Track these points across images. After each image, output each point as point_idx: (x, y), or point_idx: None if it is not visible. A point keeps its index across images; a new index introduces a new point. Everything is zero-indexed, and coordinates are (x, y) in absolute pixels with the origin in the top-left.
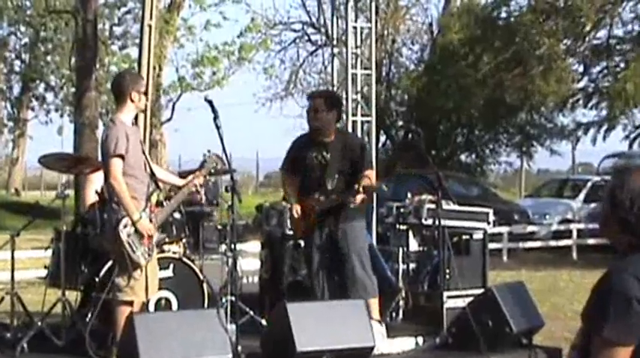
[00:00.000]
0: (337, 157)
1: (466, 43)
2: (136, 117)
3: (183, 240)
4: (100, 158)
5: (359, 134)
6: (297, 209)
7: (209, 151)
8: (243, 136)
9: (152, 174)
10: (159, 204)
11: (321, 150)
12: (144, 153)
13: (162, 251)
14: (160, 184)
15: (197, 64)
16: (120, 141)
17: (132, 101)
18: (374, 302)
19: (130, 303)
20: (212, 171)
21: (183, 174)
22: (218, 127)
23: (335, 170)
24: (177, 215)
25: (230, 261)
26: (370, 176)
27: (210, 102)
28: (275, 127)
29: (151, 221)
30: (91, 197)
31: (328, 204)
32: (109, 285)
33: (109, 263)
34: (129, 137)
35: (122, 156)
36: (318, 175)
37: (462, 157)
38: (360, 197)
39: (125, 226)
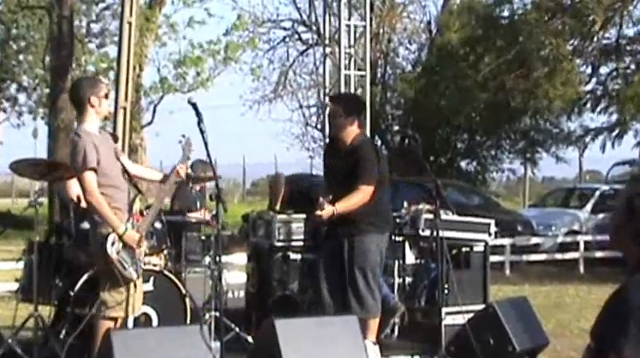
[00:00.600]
0: (342, 166)
1: (466, 43)
2: (115, 121)
3: (165, 252)
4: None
5: None
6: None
7: (183, 136)
8: (229, 141)
9: (131, 181)
10: (142, 212)
11: (336, 157)
12: (118, 159)
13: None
14: (141, 187)
15: (180, 63)
16: (88, 154)
17: (92, 106)
18: (373, 323)
19: (115, 320)
20: (188, 156)
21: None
22: (202, 131)
23: (339, 180)
24: (158, 224)
25: (214, 274)
26: (356, 194)
27: (194, 105)
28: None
29: (138, 231)
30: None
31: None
32: (97, 302)
33: (85, 276)
34: (97, 147)
35: (94, 169)
36: (331, 184)
37: (462, 164)
38: (326, 212)
39: (113, 243)
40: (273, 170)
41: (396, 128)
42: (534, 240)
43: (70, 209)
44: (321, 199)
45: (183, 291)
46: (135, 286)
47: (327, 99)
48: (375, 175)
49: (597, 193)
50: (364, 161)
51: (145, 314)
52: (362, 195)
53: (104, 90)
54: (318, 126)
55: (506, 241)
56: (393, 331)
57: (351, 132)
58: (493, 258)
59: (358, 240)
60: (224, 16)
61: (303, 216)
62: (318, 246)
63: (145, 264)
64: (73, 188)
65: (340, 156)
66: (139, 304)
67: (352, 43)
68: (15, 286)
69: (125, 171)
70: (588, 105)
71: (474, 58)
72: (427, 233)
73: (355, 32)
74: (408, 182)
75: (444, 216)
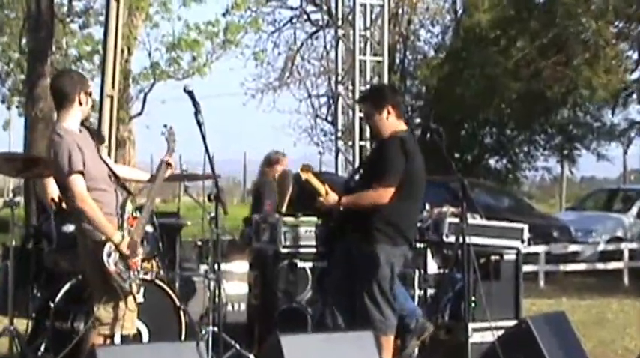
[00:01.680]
0: (366, 165)
1: (496, 25)
2: (101, 111)
3: (157, 259)
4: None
5: (368, 133)
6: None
7: (165, 126)
8: (228, 134)
9: (118, 181)
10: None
11: (372, 151)
12: (102, 158)
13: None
14: (131, 188)
15: (174, 47)
16: (73, 155)
17: (80, 104)
18: (385, 341)
19: (111, 337)
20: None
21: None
22: (200, 123)
23: (361, 180)
24: (149, 228)
25: (212, 283)
26: (367, 193)
27: (190, 94)
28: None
29: (133, 238)
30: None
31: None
32: (91, 318)
33: (67, 285)
34: (82, 148)
35: (81, 172)
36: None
37: (491, 162)
38: (328, 199)
39: (109, 254)
40: None
41: (417, 121)
42: (572, 248)
43: (49, 210)
44: (326, 187)
45: (177, 303)
46: (134, 299)
47: (339, 87)
48: (396, 177)
49: None
50: (384, 159)
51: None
52: (374, 195)
53: (91, 88)
54: (329, 118)
55: (540, 249)
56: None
57: (388, 127)
58: (526, 268)
59: (366, 249)
60: None
61: (314, 219)
62: (330, 252)
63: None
64: (52, 186)
65: (370, 154)
66: (133, 320)
67: (368, 24)
68: None
69: (111, 171)
70: (634, 95)
71: (505, 43)
72: (452, 239)
73: (371, 12)
74: (430, 181)
75: (470, 221)
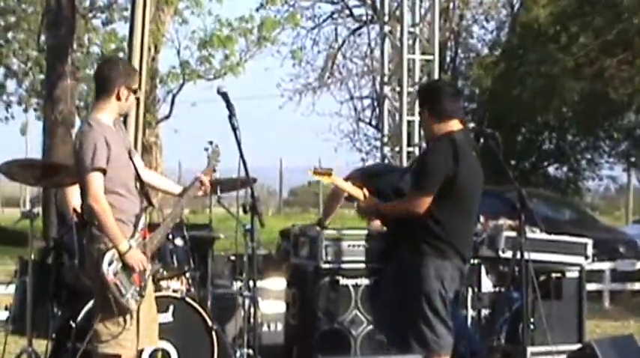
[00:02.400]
0: (413, 166)
1: (556, 21)
2: (125, 117)
3: (187, 275)
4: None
5: (416, 138)
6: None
7: (211, 143)
8: (263, 139)
9: (142, 188)
10: (152, 226)
11: None
12: (132, 161)
13: (159, 288)
14: (154, 200)
15: (205, 44)
16: (99, 150)
17: (118, 99)
18: None
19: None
20: (214, 168)
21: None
22: (234, 128)
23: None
24: (179, 241)
25: (247, 302)
26: (403, 200)
27: (224, 95)
28: (305, 128)
29: (143, 251)
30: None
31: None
32: (89, 333)
33: (90, 303)
34: (110, 144)
35: (103, 170)
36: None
37: (551, 170)
38: (365, 201)
39: (110, 263)
40: None
41: (471, 125)
42: None
43: (70, 221)
44: (364, 190)
45: (209, 323)
46: (138, 318)
47: (385, 88)
48: (433, 184)
49: None
50: (423, 164)
51: (163, 350)
52: (408, 202)
53: (136, 84)
54: (373, 122)
55: (605, 265)
56: None
57: (430, 127)
58: (590, 286)
59: (414, 263)
60: None
61: (359, 232)
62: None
63: (161, 290)
64: (75, 196)
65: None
66: (153, 338)
67: (417, 20)
68: (4, 315)
69: (138, 176)
70: None
71: (566, 39)
72: (509, 254)
73: (420, 7)
74: (485, 191)
75: (529, 234)
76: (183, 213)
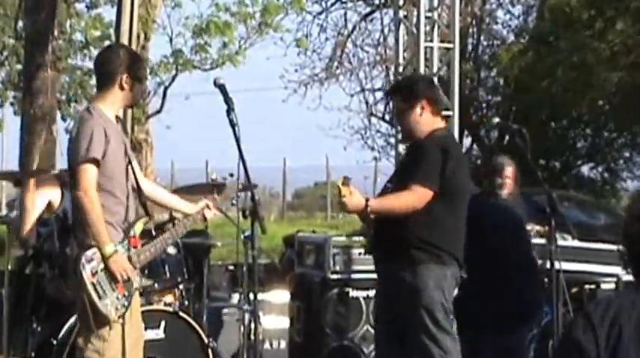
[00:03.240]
0: (400, 167)
1: (590, 4)
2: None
3: (180, 286)
4: (66, 162)
5: None
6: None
7: (232, 175)
8: (265, 136)
9: (140, 196)
10: (145, 235)
11: (405, 153)
12: (130, 163)
13: (150, 301)
14: (151, 210)
15: (201, 31)
16: (95, 140)
17: (122, 88)
18: None
19: None
20: (232, 202)
21: (178, 192)
22: (233, 124)
23: (397, 182)
24: (171, 249)
25: (247, 316)
26: (401, 194)
27: (221, 88)
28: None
29: (130, 259)
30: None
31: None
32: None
33: (73, 318)
34: (109, 137)
35: (97, 162)
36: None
37: (585, 169)
38: (352, 201)
39: (90, 260)
40: (324, 175)
41: (495, 120)
42: None
43: (52, 226)
44: (340, 181)
45: (205, 340)
46: (123, 334)
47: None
48: (435, 179)
49: None
50: (421, 161)
51: None
52: (410, 196)
53: (142, 72)
54: (386, 117)
55: None
56: None
57: (423, 125)
58: None
59: (410, 271)
60: None
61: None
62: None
63: (152, 303)
64: (41, 196)
65: (405, 156)
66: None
67: (435, 4)
68: None
69: (136, 181)
70: None
71: (601, 25)
72: (538, 263)
73: None
74: None
75: (560, 242)
76: (176, 239)
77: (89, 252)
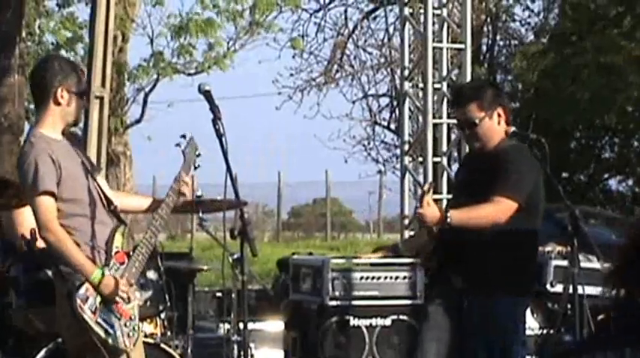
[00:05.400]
0: (478, 179)
1: (618, 1)
2: (87, 118)
3: (162, 315)
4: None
5: (444, 145)
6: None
7: (184, 136)
8: (257, 148)
9: (109, 206)
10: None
11: (474, 164)
12: (92, 175)
13: None
14: (125, 215)
15: (183, 31)
16: (41, 170)
17: (57, 104)
18: None
19: None
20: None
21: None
22: (220, 135)
23: (465, 195)
24: (152, 274)
25: (236, 348)
26: (486, 205)
27: (206, 95)
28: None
29: (122, 277)
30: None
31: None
32: None
33: (43, 351)
34: (59, 161)
35: (51, 193)
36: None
37: (612, 183)
38: (432, 213)
39: (85, 299)
40: (322, 191)
41: (512, 129)
42: None
43: (19, 251)
44: (426, 187)
45: None
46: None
47: (405, 85)
48: (523, 192)
49: None
50: (510, 168)
51: None
52: (495, 209)
53: (79, 85)
54: (392, 126)
55: None
56: None
57: (499, 135)
58: None
59: (485, 301)
60: None
61: (377, 260)
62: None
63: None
64: (25, 220)
65: (479, 163)
66: None
67: (444, 1)
68: None
69: (104, 196)
70: None
71: (630, 23)
72: (559, 288)
73: None
74: None
75: (584, 264)
76: (161, 229)
77: (81, 291)
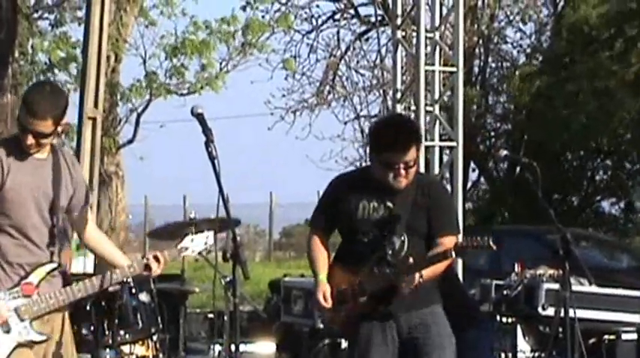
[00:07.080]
0: (408, 208)
1: (611, 23)
2: (79, 138)
3: (154, 338)
4: None
5: (436, 168)
6: (323, 291)
7: (192, 218)
8: (249, 169)
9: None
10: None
11: (384, 197)
12: (54, 200)
13: (120, 355)
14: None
15: (176, 52)
16: None
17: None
18: None
19: None
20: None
21: (154, 234)
22: (212, 158)
23: (402, 228)
24: (144, 296)
25: None
26: (448, 245)
27: (199, 117)
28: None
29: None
30: None
31: (381, 283)
32: None
33: None
34: (7, 170)
35: None
36: (372, 237)
37: (605, 206)
38: (415, 279)
39: None
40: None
41: (504, 152)
42: None
43: None
44: (410, 260)
45: None
46: None
47: (397, 106)
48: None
49: None
50: (446, 204)
51: None
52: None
53: (23, 121)
54: None
55: None
56: None
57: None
58: None
59: (430, 314)
60: None
61: None
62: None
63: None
64: None
65: (394, 195)
66: None
67: (436, 22)
68: None
69: (55, 214)
70: None
71: (623, 45)
72: (550, 312)
73: (441, 6)
74: (520, 233)
75: (575, 287)
76: (92, 292)
77: None
